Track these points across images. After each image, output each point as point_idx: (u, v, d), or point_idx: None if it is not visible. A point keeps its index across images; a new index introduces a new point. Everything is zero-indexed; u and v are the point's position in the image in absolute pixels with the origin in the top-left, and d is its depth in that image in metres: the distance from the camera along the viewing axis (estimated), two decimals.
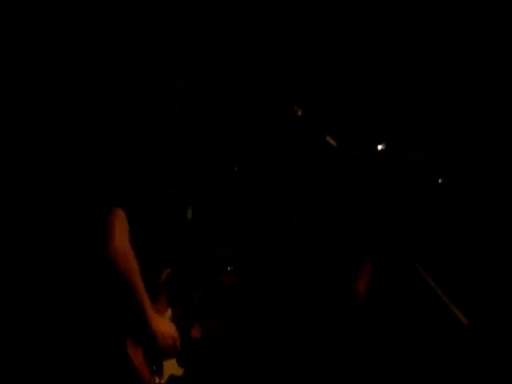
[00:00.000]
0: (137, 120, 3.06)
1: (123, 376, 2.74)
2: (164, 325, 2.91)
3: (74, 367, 2.82)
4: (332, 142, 3.13)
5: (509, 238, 4.11)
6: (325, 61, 4.19)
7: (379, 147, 4.14)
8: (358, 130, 4.18)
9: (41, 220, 3.38)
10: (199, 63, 3.75)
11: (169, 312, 3.02)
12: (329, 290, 3.99)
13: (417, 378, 3.99)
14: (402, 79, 4.27)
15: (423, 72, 4.26)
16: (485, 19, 4.19)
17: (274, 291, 3.84)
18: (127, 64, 3.52)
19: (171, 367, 3.01)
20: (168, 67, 3.34)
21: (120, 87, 3.36)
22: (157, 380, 2.90)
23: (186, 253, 3.13)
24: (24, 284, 3.33)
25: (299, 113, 3.16)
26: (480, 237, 4.14)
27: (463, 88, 4.27)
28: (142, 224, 2.81)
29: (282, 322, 3.84)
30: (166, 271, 2.98)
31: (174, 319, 3.04)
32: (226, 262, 3.33)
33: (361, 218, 4.00)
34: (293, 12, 4.12)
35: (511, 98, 4.23)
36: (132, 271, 2.70)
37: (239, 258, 3.43)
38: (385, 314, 4.06)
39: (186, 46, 3.77)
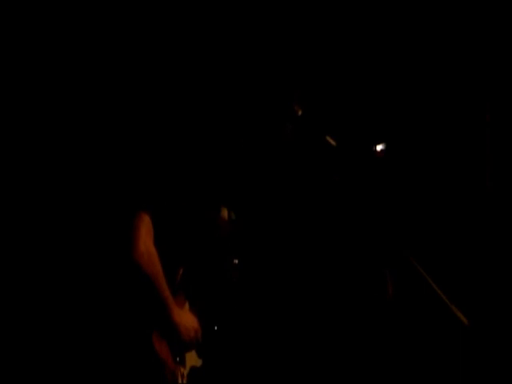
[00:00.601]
0: (157, 128, 3.23)
1: (151, 368, 2.90)
2: (186, 318, 3.05)
3: (104, 361, 3.01)
4: (332, 141, 3.12)
5: (509, 237, 4.10)
6: (325, 61, 4.19)
7: (379, 147, 4.13)
8: (358, 129, 4.17)
9: (72, 224, 3.53)
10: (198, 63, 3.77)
11: (186, 305, 3.14)
12: (331, 288, 4.00)
13: (417, 378, 3.99)
14: (401, 80, 4.26)
15: (423, 72, 4.26)
16: (483, 25, 4.19)
17: (281, 288, 3.88)
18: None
19: (192, 359, 3.15)
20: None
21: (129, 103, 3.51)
22: (181, 370, 3.06)
23: (196, 251, 3.21)
24: (56, 283, 3.51)
25: (299, 113, 3.16)
26: (480, 237, 4.14)
27: (463, 88, 4.26)
28: (161, 226, 2.96)
29: (288, 318, 3.88)
30: (181, 269, 3.11)
31: (192, 312, 3.17)
32: (233, 256, 3.38)
33: (361, 218, 4.00)
34: (293, 12, 4.12)
35: (511, 98, 4.23)
36: (156, 272, 2.86)
37: (245, 253, 3.47)
38: (385, 313, 4.06)
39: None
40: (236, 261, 3.37)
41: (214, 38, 3.90)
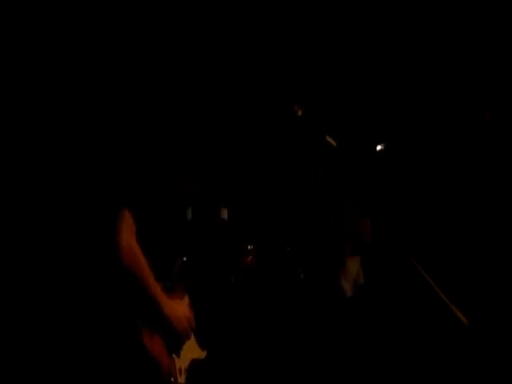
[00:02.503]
0: (142, 123, 3.23)
1: (143, 368, 2.83)
2: (176, 308, 3.00)
3: (92, 364, 2.93)
4: (332, 141, 3.13)
5: (509, 237, 4.11)
6: (325, 61, 4.19)
7: (379, 147, 4.14)
8: (358, 129, 4.18)
9: (53, 224, 3.53)
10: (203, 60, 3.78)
11: (186, 298, 3.11)
12: (336, 285, 4.01)
13: (417, 378, 4.00)
14: (402, 80, 4.27)
15: (423, 73, 4.26)
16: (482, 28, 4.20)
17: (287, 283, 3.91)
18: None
19: (193, 351, 3.09)
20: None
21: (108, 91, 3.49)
22: (179, 364, 2.98)
23: (202, 240, 3.22)
24: (40, 282, 3.49)
25: (299, 113, 3.16)
26: (480, 237, 4.14)
27: (463, 88, 4.27)
28: (153, 219, 3.02)
29: (294, 312, 3.90)
30: (180, 260, 3.10)
31: (192, 304, 3.13)
32: (246, 242, 3.37)
33: (362, 217, 4.00)
34: (293, 12, 4.12)
35: (511, 98, 4.23)
36: (139, 267, 2.85)
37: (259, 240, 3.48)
38: (385, 313, 4.06)
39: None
40: (251, 246, 3.36)
41: (214, 37, 3.90)
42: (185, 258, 3.10)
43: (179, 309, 3.02)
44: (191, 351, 3.08)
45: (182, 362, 3.01)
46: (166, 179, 3.10)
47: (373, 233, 4.01)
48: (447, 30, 4.23)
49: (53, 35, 3.62)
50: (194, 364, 3.07)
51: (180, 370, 2.98)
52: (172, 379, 2.90)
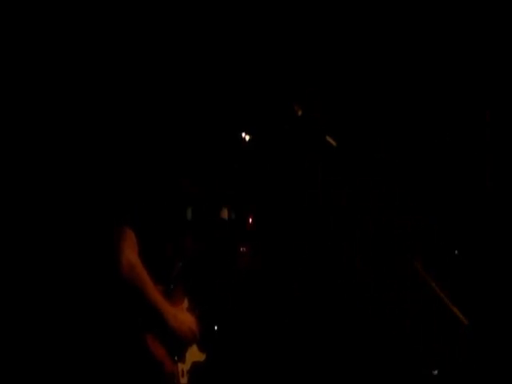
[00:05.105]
0: (141, 136, 3.29)
1: (149, 371, 2.94)
2: (180, 317, 3.08)
3: (102, 369, 3.06)
4: (332, 141, 3.13)
5: (509, 237, 4.10)
6: (325, 61, 4.19)
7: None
8: (358, 130, 4.17)
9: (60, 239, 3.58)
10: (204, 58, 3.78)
11: (186, 302, 3.16)
12: (332, 286, 4.01)
13: (417, 378, 4.00)
14: (401, 80, 4.26)
15: (423, 73, 4.26)
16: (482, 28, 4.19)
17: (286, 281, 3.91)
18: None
19: (193, 354, 3.16)
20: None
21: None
22: (182, 367, 3.07)
23: (202, 240, 3.24)
24: (46, 295, 3.55)
25: (299, 113, 3.16)
26: (480, 237, 4.14)
27: (463, 88, 4.27)
28: (153, 219, 3.05)
29: (291, 313, 3.90)
30: (179, 264, 3.13)
31: (191, 308, 3.18)
32: (239, 244, 3.39)
33: (362, 217, 4.00)
34: (293, 12, 4.12)
35: (511, 98, 4.23)
36: (140, 281, 2.94)
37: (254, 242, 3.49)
38: (385, 313, 4.06)
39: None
40: (243, 249, 3.38)
41: (215, 37, 3.90)
42: (184, 260, 3.13)
43: (183, 318, 3.10)
44: (192, 354, 3.16)
45: (184, 364, 3.10)
46: (166, 179, 3.11)
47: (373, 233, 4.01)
48: (447, 30, 4.22)
49: (53, 36, 3.62)
50: (196, 366, 3.15)
51: (182, 372, 3.07)
52: (175, 381, 2.99)
